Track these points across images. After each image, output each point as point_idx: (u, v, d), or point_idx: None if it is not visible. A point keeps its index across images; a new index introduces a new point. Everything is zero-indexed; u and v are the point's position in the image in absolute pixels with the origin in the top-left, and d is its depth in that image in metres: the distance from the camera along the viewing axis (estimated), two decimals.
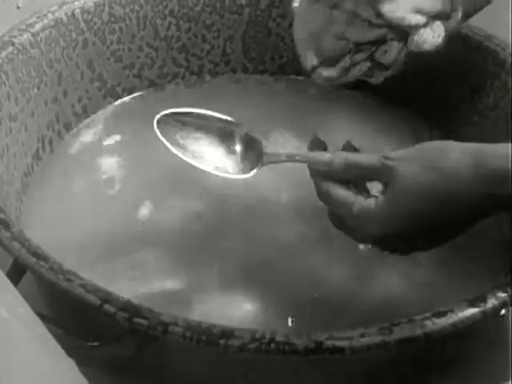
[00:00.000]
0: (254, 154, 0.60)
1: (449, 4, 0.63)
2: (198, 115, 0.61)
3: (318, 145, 0.60)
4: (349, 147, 0.59)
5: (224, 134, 0.61)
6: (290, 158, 0.59)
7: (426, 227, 0.54)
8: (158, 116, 0.60)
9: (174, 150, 0.60)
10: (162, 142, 0.59)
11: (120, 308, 0.49)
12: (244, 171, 0.60)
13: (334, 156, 0.57)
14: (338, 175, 0.57)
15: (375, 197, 0.55)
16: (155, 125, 0.60)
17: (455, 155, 0.54)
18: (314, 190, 0.58)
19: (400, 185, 0.54)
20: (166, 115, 0.60)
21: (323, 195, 0.57)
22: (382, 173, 0.55)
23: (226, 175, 0.60)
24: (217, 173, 0.60)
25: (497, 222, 0.60)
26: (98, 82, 0.76)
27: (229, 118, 0.61)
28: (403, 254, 0.58)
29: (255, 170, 0.59)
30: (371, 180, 0.56)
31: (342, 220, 0.57)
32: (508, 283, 0.53)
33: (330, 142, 0.60)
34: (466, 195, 0.53)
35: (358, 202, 0.55)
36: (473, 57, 0.72)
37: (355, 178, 0.57)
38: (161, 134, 0.60)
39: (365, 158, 0.56)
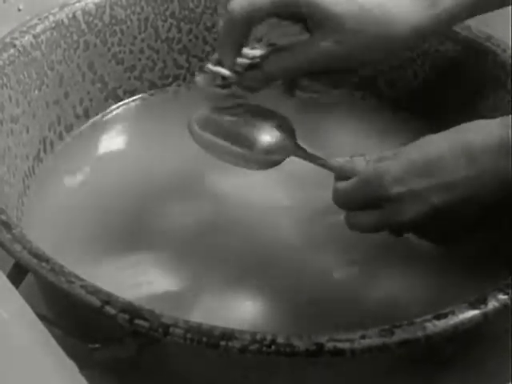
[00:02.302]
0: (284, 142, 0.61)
1: None
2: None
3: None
4: None
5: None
6: (319, 163, 0.60)
7: (448, 189, 0.54)
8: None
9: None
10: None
11: (121, 309, 0.49)
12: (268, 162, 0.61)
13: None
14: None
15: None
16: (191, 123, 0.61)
17: (476, 122, 0.56)
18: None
19: (417, 142, 0.56)
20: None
21: (341, 194, 0.58)
22: None
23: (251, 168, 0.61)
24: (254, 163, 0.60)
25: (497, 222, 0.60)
26: (100, 83, 0.76)
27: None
28: (438, 242, 0.58)
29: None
30: None
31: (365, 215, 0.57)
32: (509, 285, 0.53)
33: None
34: (488, 156, 0.53)
35: (370, 166, 0.56)
36: (473, 58, 0.72)
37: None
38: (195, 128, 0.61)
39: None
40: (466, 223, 0.57)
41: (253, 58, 0.61)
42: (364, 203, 0.57)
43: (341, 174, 0.59)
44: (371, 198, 0.57)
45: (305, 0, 0.58)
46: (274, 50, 0.61)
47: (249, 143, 0.60)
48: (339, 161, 0.59)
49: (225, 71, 0.60)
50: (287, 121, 0.62)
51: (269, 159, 0.60)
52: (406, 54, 0.75)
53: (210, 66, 0.61)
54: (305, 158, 0.61)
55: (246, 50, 0.61)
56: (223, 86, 0.61)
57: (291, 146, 0.61)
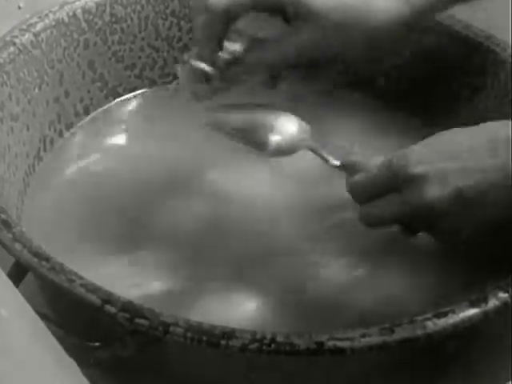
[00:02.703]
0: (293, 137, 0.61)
1: None
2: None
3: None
4: None
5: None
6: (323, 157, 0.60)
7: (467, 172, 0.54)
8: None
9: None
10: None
11: (121, 308, 0.50)
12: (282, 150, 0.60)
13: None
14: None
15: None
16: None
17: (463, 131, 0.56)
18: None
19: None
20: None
21: (360, 183, 0.58)
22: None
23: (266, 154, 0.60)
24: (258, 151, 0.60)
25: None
26: (100, 82, 0.76)
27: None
28: (450, 241, 0.58)
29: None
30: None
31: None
32: (509, 283, 0.53)
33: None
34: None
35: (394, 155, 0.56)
36: (473, 57, 0.72)
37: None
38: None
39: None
40: (485, 220, 0.55)
41: (233, 51, 0.61)
42: (384, 189, 0.56)
43: (355, 170, 0.59)
44: (392, 181, 0.56)
45: None
46: (255, 43, 0.60)
47: (261, 143, 0.60)
48: (353, 159, 0.59)
49: (207, 67, 0.60)
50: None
51: (281, 155, 0.61)
52: (406, 53, 0.75)
53: (192, 62, 0.60)
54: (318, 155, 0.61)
55: (227, 44, 0.60)
56: (206, 81, 0.61)
57: (303, 142, 0.60)
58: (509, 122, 0.55)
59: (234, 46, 0.61)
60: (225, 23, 0.59)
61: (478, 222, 0.55)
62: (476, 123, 0.57)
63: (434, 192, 0.54)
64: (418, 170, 0.54)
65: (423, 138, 0.58)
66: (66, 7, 0.72)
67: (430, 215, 0.55)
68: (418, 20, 0.62)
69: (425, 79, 0.75)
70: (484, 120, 0.56)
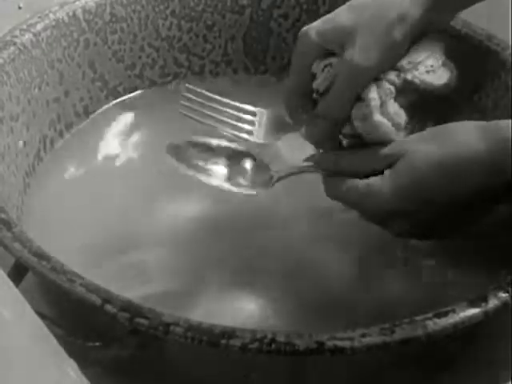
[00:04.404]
0: (262, 174, 0.62)
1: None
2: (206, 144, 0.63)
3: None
4: None
5: (233, 157, 0.63)
6: (298, 170, 0.61)
7: (434, 205, 0.55)
8: (168, 143, 0.63)
9: (187, 171, 0.62)
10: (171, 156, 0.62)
11: (121, 308, 0.50)
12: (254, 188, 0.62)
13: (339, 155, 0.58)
14: (346, 170, 0.58)
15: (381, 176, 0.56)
16: (166, 149, 0.62)
17: (466, 128, 0.55)
18: (314, 190, 0.58)
19: (407, 159, 0.55)
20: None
21: (331, 190, 0.59)
22: (389, 159, 0.56)
23: (240, 190, 0.62)
24: (231, 189, 0.62)
25: (496, 222, 0.60)
26: (100, 82, 0.76)
27: (238, 147, 0.63)
28: (416, 238, 0.59)
29: (266, 188, 0.62)
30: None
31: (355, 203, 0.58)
32: (509, 283, 0.53)
33: None
34: (475, 169, 0.53)
35: (364, 181, 0.56)
36: (473, 57, 0.72)
37: (366, 173, 0.57)
38: (172, 156, 0.62)
39: (371, 152, 0.57)
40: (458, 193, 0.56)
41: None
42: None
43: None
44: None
45: (332, 37, 0.59)
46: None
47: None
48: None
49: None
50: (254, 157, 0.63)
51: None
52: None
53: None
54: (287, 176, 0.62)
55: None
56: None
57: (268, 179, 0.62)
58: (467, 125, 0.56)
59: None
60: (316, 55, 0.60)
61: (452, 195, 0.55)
62: None
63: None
64: (382, 210, 0.56)
65: None
66: (66, 7, 0.72)
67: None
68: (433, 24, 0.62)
69: None
70: (484, 119, 0.56)
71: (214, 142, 0.63)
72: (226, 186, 0.62)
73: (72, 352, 0.44)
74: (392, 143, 0.57)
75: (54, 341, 0.44)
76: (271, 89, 0.79)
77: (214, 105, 0.64)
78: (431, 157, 0.54)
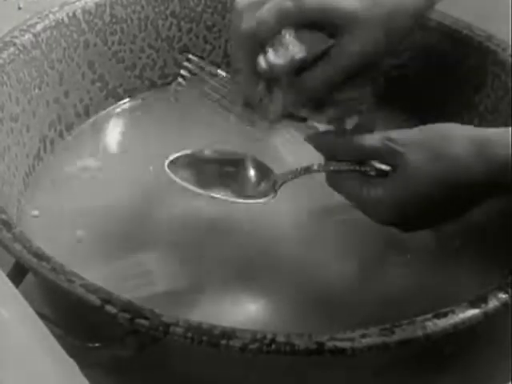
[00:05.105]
0: (267, 180, 0.62)
1: None
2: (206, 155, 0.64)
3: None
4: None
5: (235, 164, 0.63)
6: (301, 173, 0.61)
7: (428, 210, 0.56)
8: (169, 158, 0.63)
9: (190, 187, 0.62)
10: (174, 176, 0.62)
11: (121, 308, 0.50)
12: (260, 196, 0.62)
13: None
14: (343, 157, 0.58)
15: (382, 182, 0.56)
16: (166, 166, 0.62)
17: (459, 143, 0.55)
18: (314, 190, 0.58)
19: (409, 173, 0.55)
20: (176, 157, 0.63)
21: (334, 185, 0.59)
22: (385, 155, 0.57)
23: (247, 201, 0.62)
24: (238, 200, 0.62)
25: (496, 221, 0.60)
26: (100, 82, 0.76)
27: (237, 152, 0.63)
28: (402, 230, 0.59)
29: (272, 195, 0.62)
30: (376, 160, 0.57)
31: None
32: (509, 284, 0.53)
33: None
34: (475, 190, 0.54)
35: (366, 189, 0.57)
36: (473, 57, 0.72)
37: (361, 159, 0.58)
38: (173, 173, 0.62)
39: (367, 139, 0.58)
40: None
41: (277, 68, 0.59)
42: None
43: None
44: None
45: (330, 7, 0.57)
46: (310, 62, 0.59)
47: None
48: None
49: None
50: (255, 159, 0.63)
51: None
52: (406, 53, 0.75)
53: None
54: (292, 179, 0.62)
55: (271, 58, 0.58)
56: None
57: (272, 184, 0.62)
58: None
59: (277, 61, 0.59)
60: (255, 47, 0.58)
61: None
62: (475, 124, 0.57)
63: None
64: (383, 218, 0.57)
65: None
66: (65, 8, 0.72)
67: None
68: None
69: (424, 80, 0.75)
70: (484, 120, 0.56)
71: (212, 151, 0.63)
72: (232, 198, 0.62)
73: (72, 352, 0.44)
74: (382, 136, 0.57)
75: (54, 341, 0.44)
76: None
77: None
78: (431, 175, 0.55)
